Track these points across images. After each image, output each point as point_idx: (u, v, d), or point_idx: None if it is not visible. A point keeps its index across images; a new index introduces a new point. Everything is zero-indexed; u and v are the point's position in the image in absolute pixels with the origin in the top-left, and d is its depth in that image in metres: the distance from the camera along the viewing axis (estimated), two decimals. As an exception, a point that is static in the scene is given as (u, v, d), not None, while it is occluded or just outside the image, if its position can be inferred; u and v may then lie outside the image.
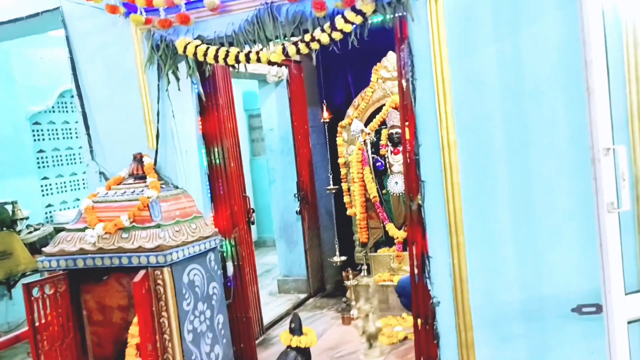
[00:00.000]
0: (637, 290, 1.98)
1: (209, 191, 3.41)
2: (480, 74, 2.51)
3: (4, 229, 4.73)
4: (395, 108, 4.75)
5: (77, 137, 6.02)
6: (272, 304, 5.20)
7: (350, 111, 5.03)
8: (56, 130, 5.86)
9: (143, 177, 3.11)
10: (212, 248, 3.07)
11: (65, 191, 5.95)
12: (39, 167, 5.65)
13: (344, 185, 5.02)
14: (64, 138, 5.94)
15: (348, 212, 5.01)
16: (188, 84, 3.25)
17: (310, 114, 5.51)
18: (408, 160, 2.92)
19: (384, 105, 4.86)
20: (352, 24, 2.61)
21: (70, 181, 5.99)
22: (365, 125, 4.84)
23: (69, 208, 5.90)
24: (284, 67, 5.16)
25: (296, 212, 5.34)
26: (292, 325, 2.79)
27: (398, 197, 4.71)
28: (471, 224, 2.58)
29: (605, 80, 1.86)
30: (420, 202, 2.79)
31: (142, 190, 3.00)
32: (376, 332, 1.42)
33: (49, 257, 2.93)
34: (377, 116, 4.86)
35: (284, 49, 2.76)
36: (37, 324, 2.75)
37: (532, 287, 2.51)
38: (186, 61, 3.08)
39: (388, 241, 4.87)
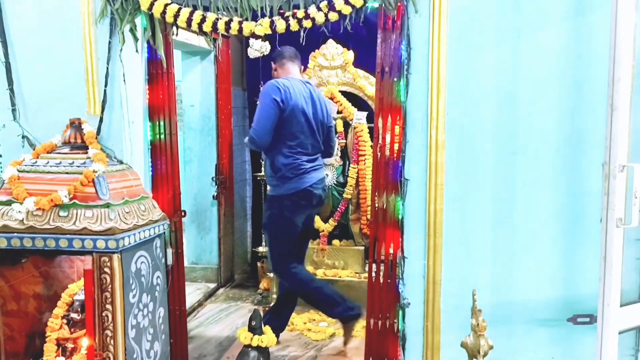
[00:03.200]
0: (631, 302, 2.08)
1: (150, 169, 3.04)
2: (477, 76, 2.50)
3: None
4: (332, 98, 4.66)
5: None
6: (180, 293, 4.85)
7: (282, 96, 4.82)
8: None
9: (82, 147, 2.68)
10: (159, 234, 2.74)
11: None
12: None
13: (269, 173, 4.81)
14: None
15: (271, 201, 4.82)
16: (139, 46, 2.86)
17: (233, 94, 5.21)
18: (379, 155, 2.85)
19: (318, 94, 4.73)
20: (353, 6, 2.46)
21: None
22: (297, 112, 4.67)
23: None
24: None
25: (213, 196, 5.02)
26: (253, 323, 2.58)
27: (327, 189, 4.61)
28: (450, 227, 2.57)
29: (629, 98, 1.92)
30: (392, 200, 2.73)
31: (84, 163, 2.58)
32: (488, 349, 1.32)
33: (-40, 233, 2.41)
34: (311, 105, 4.71)
35: (272, 22, 2.52)
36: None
37: (504, 292, 2.56)
38: (148, 20, 2.70)
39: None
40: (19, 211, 2.40)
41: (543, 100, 2.45)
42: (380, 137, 2.83)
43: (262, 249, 4.67)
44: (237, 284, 5.25)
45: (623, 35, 1.90)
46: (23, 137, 2.79)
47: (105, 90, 2.73)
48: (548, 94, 2.44)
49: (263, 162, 4.35)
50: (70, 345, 2.68)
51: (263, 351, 2.55)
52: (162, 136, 3.04)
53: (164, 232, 2.82)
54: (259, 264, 4.99)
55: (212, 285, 5.05)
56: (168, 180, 3.08)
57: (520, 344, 2.53)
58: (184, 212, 3.18)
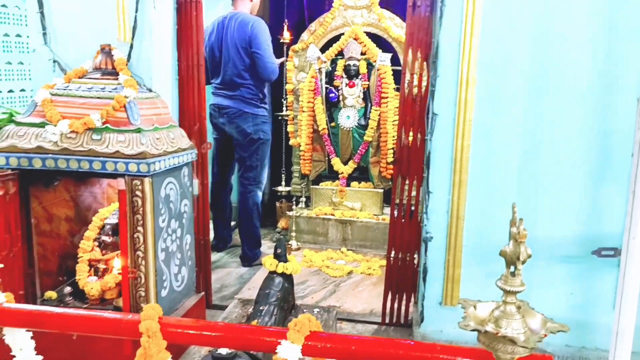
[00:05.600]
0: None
1: (177, 99, 3.06)
2: (511, 11, 2.45)
3: None
4: (356, 39, 4.61)
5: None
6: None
7: (305, 36, 4.79)
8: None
9: (113, 73, 2.69)
10: (187, 162, 2.78)
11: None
12: None
13: (290, 114, 4.82)
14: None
15: (291, 142, 4.85)
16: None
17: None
18: (407, 91, 2.85)
19: (342, 34, 4.68)
20: None
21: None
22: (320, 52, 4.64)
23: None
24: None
25: (232, 135, 5.04)
26: (278, 251, 2.64)
27: (348, 131, 4.62)
28: (476, 163, 2.58)
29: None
30: (418, 137, 2.75)
31: (115, 88, 2.60)
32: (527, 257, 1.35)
33: (-5, 152, 2.47)
34: (335, 45, 4.67)
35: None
36: (-17, 229, 2.32)
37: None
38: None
39: (331, 175, 4.81)
40: (53, 133, 2.44)
41: (577, 37, 2.41)
42: (409, 73, 2.83)
43: (282, 188, 4.72)
44: (255, 222, 5.32)
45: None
46: (54, 61, 2.81)
47: (135, 17, 2.71)
48: (582, 30, 2.40)
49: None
50: (102, 266, 2.78)
51: (287, 278, 2.62)
52: (189, 67, 3.05)
53: (192, 162, 2.86)
54: (277, 204, 5.06)
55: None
56: (194, 111, 3.10)
57: (540, 280, 2.57)
58: (210, 144, 3.21)
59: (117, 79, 2.65)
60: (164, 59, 2.89)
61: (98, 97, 2.56)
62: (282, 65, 4.71)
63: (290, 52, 4.76)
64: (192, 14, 2.99)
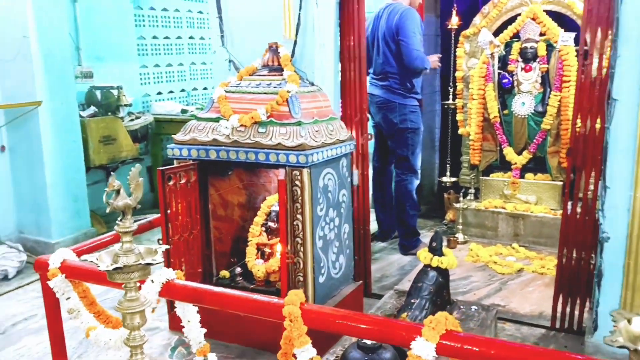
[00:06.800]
0: None
1: (340, 92, 3.14)
2: None
3: (109, 113, 4.67)
4: (534, 19, 4.26)
5: (176, 26, 5.81)
6: (367, 218, 5.03)
7: (477, 20, 4.55)
8: (156, 17, 5.66)
9: (278, 70, 2.86)
10: (345, 153, 2.85)
11: (161, 82, 5.83)
12: (138, 54, 5.51)
13: (459, 102, 4.64)
14: (163, 26, 5.74)
15: (460, 131, 4.67)
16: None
17: (425, 21, 5.03)
18: (583, 76, 2.57)
19: (518, 15, 4.36)
20: None
21: (166, 72, 5.84)
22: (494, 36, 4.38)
23: (163, 99, 5.81)
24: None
25: (399, 126, 5.03)
26: (434, 244, 2.57)
27: (522, 119, 4.31)
28: (666, 155, 2.23)
29: None
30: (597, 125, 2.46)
31: (280, 84, 2.75)
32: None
33: (180, 145, 2.78)
34: (510, 27, 4.37)
35: None
36: (169, 211, 2.63)
37: None
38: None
39: (502, 166, 4.54)
40: (226, 127, 2.68)
41: None
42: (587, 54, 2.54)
43: (446, 179, 4.58)
44: (422, 214, 5.25)
45: None
46: (229, 61, 3.07)
47: (299, 15, 2.84)
48: None
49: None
50: (267, 250, 2.99)
51: (442, 272, 2.55)
52: (351, 60, 3.10)
53: (351, 152, 2.92)
54: (445, 195, 4.93)
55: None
56: (355, 103, 3.16)
57: None
58: (371, 135, 3.25)
59: (282, 74, 2.81)
60: (326, 53, 2.98)
61: (264, 93, 2.74)
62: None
63: (460, 38, 4.57)
64: (354, 7, 3.04)
